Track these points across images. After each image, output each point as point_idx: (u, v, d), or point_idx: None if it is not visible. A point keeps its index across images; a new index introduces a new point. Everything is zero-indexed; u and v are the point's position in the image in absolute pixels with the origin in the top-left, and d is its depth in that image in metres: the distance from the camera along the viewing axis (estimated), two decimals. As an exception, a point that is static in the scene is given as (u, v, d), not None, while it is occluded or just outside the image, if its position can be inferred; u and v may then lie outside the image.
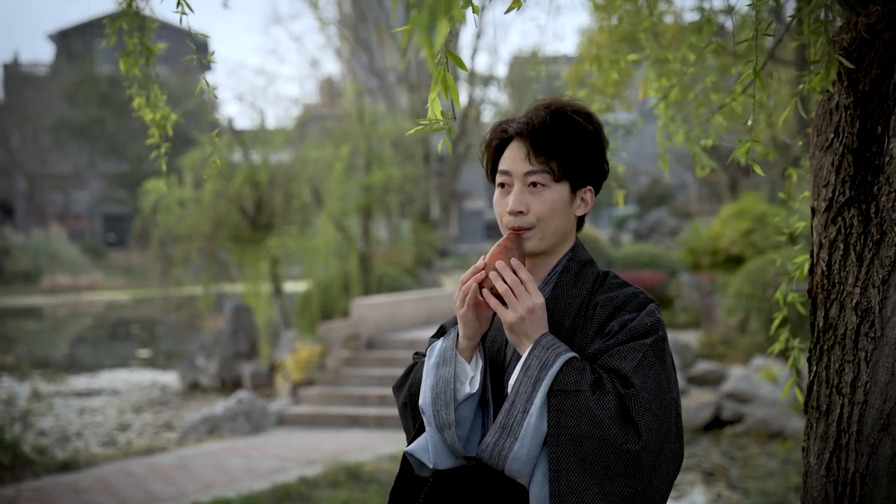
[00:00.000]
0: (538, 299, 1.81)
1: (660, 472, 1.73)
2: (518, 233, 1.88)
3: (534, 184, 1.87)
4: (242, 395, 10.97)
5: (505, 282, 1.81)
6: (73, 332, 24.59)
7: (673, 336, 11.85)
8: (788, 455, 8.97)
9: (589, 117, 1.92)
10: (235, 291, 18.52)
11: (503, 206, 1.90)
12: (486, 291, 1.82)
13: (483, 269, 1.84)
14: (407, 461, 1.95)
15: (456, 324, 1.98)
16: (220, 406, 10.83)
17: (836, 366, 1.96)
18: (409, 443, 1.95)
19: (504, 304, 1.81)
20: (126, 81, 2.81)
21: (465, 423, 1.88)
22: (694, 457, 9.17)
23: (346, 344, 12.24)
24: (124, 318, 27.27)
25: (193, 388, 14.68)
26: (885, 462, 1.86)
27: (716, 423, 10.29)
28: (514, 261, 1.82)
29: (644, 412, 1.71)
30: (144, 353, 19.83)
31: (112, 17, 2.78)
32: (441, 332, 2.09)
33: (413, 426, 1.99)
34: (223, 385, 14.44)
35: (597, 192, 1.97)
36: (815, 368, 2.04)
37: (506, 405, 1.79)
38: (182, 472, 8.04)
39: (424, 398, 1.89)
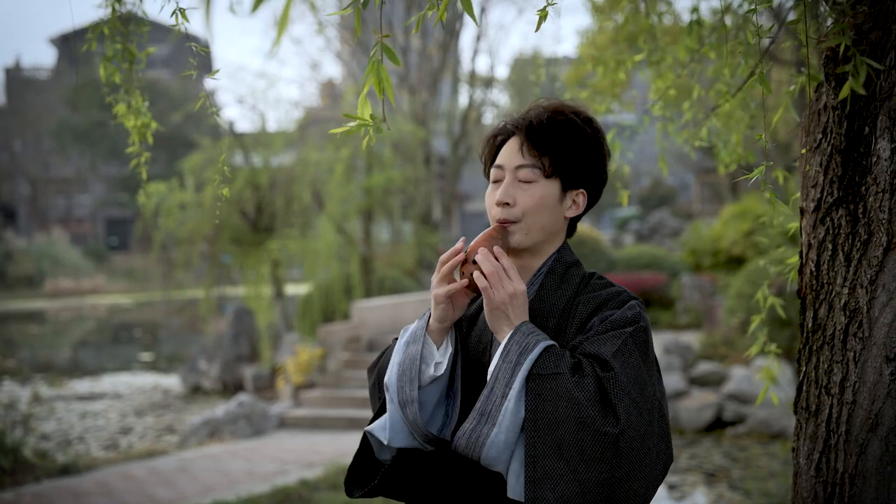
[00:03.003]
0: (519, 286, 1.81)
1: (643, 466, 1.71)
2: (504, 225, 1.89)
3: (524, 179, 1.89)
4: (243, 397, 10.98)
5: (485, 271, 1.81)
6: (75, 335, 24.61)
7: (674, 337, 11.83)
8: (790, 456, 8.96)
9: (589, 121, 1.93)
10: (237, 294, 18.54)
11: (493, 199, 1.92)
12: (476, 273, 1.82)
13: (461, 250, 1.85)
14: (367, 441, 1.94)
15: None
16: (221, 409, 10.84)
17: (825, 366, 1.96)
18: (371, 422, 1.94)
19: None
20: (107, 88, 2.78)
21: (426, 406, 1.87)
22: (695, 458, 9.16)
23: (347, 346, 12.24)
24: (126, 321, 27.30)
25: (195, 392, 14.70)
26: (874, 462, 1.86)
27: (717, 424, 10.28)
28: (496, 249, 1.83)
29: (622, 396, 1.70)
30: (146, 356, 19.86)
31: (95, 23, 2.74)
32: None
33: (378, 406, 1.99)
34: (225, 388, 14.45)
35: (593, 198, 1.97)
36: (804, 369, 2.04)
37: (485, 391, 1.78)
38: (182, 476, 8.05)
39: (391, 375, 1.88)
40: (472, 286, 1.85)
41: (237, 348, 14.96)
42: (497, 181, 1.93)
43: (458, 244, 1.87)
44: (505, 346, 1.79)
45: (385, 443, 1.87)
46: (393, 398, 1.86)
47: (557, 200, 1.91)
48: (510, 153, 1.92)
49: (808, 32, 1.93)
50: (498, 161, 1.94)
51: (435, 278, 1.89)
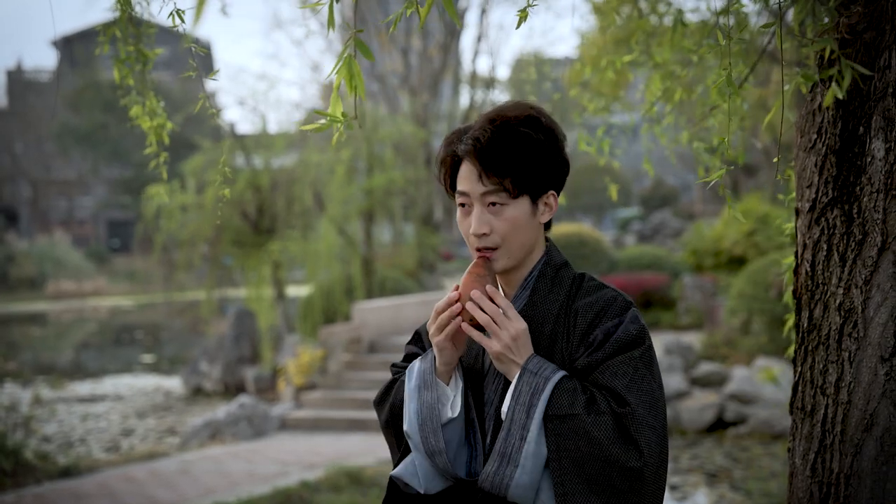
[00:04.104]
0: (521, 325, 1.80)
1: (660, 478, 1.76)
2: (486, 256, 1.86)
3: (493, 203, 1.84)
4: (244, 399, 10.98)
5: (484, 311, 1.79)
6: (77, 337, 24.63)
7: (675, 337, 11.83)
8: (790, 456, 8.95)
9: (537, 123, 1.85)
10: (238, 296, 18.55)
11: (466, 226, 1.88)
12: (464, 324, 1.80)
13: (458, 300, 1.82)
14: (393, 482, 1.94)
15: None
16: (222, 411, 10.84)
17: (821, 366, 1.96)
18: (395, 464, 1.94)
19: (485, 332, 1.81)
20: (120, 90, 2.78)
21: (451, 444, 1.88)
22: (697, 458, 9.16)
23: (348, 348, 12.24)
24: (128, 323, 27.31)
25: (197, 393, 14.70)
26: (869, 462, 1.86)
27: (719, 425, 10.27)
28: (489, 288, 1.80)
29: (643, 429, 1.72)
30: (148, 358, 19.86)
31: (106, 25, 2.76)
32: (416, 338, 2.09)
33: (398, 446, 1.98)
34: (227, 390, 14.46)
35: (559, 191, 1.93)
36: (799, 369, 2.04)
37: (502, 433, 1.78)
38: (183, 477, 8.05)
39: (411, 423, 1.87)
40: (472, 322, 1.82)
41: (238, 350, 14.96)
42: (464, 206, 1.89)
43: (453, 294, 1.84)
44: (515, 388, 1.78)
45: (422, 492, 1.88)
46: (418, 448, 1.86)
47: (531, 214, 1.87)
48: (470, 181, 1.85)
49: (799, 32, 1.93)
50: (461, 187, 1.87)
51: (431, 327, 1.87)
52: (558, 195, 1.93)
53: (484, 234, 1.85)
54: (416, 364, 1.94)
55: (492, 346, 1.79)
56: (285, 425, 10.78)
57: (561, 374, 1.78)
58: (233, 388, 14.37)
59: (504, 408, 1.80)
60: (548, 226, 1.97)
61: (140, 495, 7.44)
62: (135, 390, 15.18)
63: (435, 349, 1.87)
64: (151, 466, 8.61)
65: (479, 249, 1.87)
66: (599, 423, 1.71)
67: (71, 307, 31.25)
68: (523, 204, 1.86)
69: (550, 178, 1.89)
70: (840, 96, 1.70)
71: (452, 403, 1.87)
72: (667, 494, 7.98)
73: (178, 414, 13.07)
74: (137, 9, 2.72)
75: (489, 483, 1.77)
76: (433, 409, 1.85)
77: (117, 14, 2.71)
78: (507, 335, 1.78)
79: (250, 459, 8.88)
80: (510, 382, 1.82)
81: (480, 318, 1.78)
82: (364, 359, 12.05)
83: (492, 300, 1.80)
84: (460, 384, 1.89)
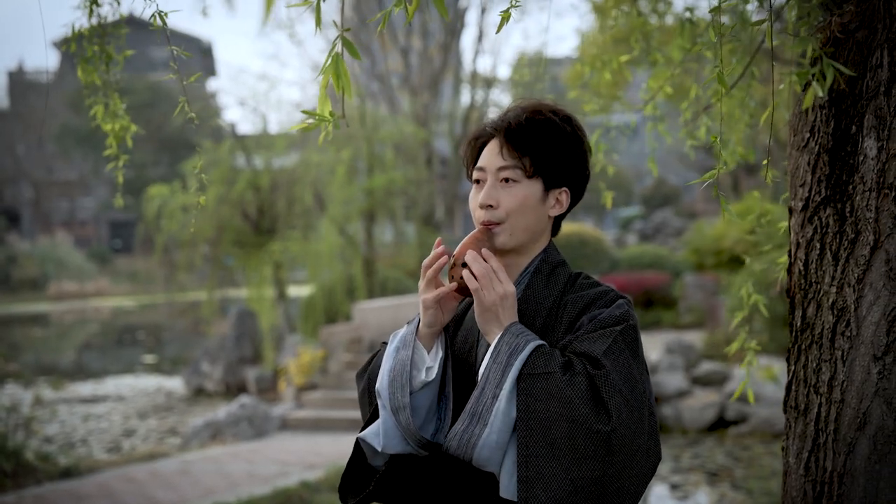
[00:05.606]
0: (509, 287, 1.82)
1: (634, 463, 1.72)
2: (488, 227, 1.89)
3: (506, 179, 1.89)
4: (245, 399, 10.98)
5: (475, 272, 1.82)
6: (78, 338, 24.64)
7: (677, 336, 11.83)
8: (791, 455, 8.94)
9: (568, 119, 1.93)
10: (240, 296, 18.55)
11: (476, 200, 1.92)
12: (465, 273, 1.82)
13: (443, 254, 1.87)
14: (360, 448, 1.94)
15: None
16: (222, 411, 10.85)
17: (814, 365, 1.96)
18: (363, 429, 1.94)
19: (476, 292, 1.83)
20: (86, 90, 2.74)
21: (419, 411, 1.87)
22: (698, 457, 9.16)
23: (349, 348, 12.25)
24: (130, 324, 27.33)
25: (198, 394, 14.71)
26: (862, 461, 1.86)
27: (720, 424, 10.27)
28: (484, 251, 1.83)
29: (614, 394, 1.70)
30: (150, 358, 19.87)
31: (81, 27, 2.71)
32: None
33: (369, 412, 1.98)
34: (228, 390, 14.47)
35: (576, 196, 1.97)
36: (793, 368, 2.04)
37: (475, 392, 1.78)
38: (183, 478, 8.06)
39: (382, 381, 1.89)
40: (461, 289, 1.85)
41: (240, 350, 14.97)
42: (479, 182, 1.94)
43: (439, 248, 1.88)
44: (495, 347, 1.79)
45: (379, 449, 1.87)
46: (385, 405, 1.86)
47: (540, 200, 1.91)
48: (491, 155, 1.91)
49: (792, 31, 1.93)
50: (479, 163, 1.94)
51: (421, 284, 1.89)
52: (572, 199, 1.96)
53: (490, 206, 1.89)
54: (402, 330, 1.96)
55: (483, 298, 1.80)
56: (286, 425, 10.78)
57: (542, 342, 1.80)
58: (234, 389, 14.38)
59: (482, 368, 1.80)
60: (556, 229, 2.00)
61: (140, 496, 7.44)
62: (136, 391, 15.20)
63: (421, 307, 1.89)
64: (152, 467, 8.61)
65: (483, 223, 1.90)
66: (574, 383, 1.70)
67: (73, 308, 31.28)
68: (535, 187, 1.90)
69: (568, 173, 1.93)
70: (821, 94, 1.71)
71: (428, 370, 1.88)
72: (667, 493, 7.97)
73: (180, 414, 13.08)
74: (108, 8, 2.69)
75: (456, 442, 1.77)
76: (405, 365, 1.86)
77: (84, 8, 2.67)
78: (496, 293, 1.80)
79: (251, 460, 8.88)
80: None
81: (476, 269, 1.80)
82: (364, 359, 12.01)
83: (486, 262, 1.83)
84: (440, 354, 1.89)
